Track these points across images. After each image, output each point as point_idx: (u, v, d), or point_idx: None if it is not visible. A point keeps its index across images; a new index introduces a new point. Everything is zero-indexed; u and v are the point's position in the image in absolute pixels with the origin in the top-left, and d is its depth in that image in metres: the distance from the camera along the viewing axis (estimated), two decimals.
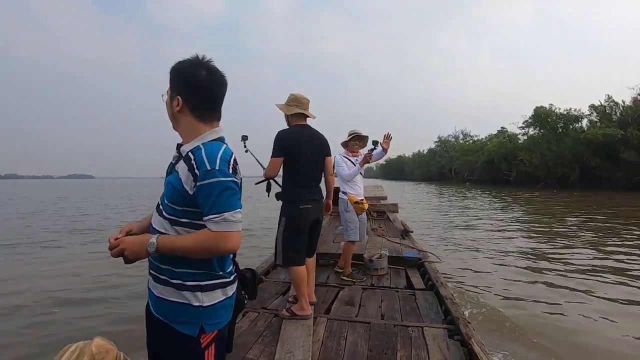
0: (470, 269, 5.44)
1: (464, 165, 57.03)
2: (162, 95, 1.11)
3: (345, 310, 2.79)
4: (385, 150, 3.47)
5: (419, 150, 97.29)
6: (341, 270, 3.69)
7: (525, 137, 44.04)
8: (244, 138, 2.84)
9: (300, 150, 2.48)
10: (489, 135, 62.14)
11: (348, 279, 3.54)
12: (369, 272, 3.74)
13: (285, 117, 2.64)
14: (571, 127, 37.88)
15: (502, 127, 58.51)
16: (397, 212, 8.33)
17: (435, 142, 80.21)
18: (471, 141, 67.59)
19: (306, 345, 2.12)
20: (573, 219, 11.31)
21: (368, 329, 2.39)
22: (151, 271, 1.07)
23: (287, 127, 2.63)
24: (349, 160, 3.50)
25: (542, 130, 39.95)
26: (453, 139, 75.96)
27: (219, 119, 1.11)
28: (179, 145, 1.08)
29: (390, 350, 2.12)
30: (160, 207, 1.06)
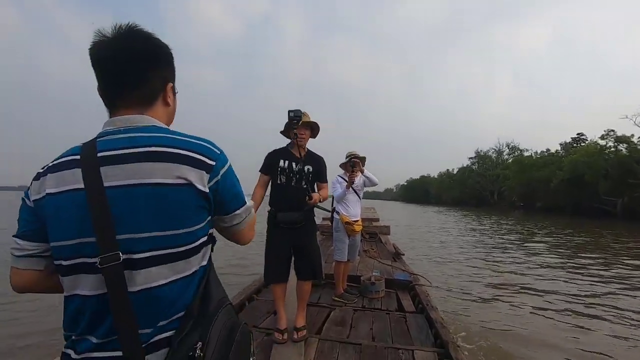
0: (467, 297, 5.30)
1: (521, 186, 39.95)
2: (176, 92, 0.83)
3: (336, 331, 2.79)
4: (360, 171, 3.50)
5: (447, 170, 78.42)
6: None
7: None
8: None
9: None
10: (563, 144, 44.15)
11: (339, 299, 3.54)
12: (368, 295, 3.70)
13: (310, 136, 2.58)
14: None
15: (578, 134, 42.27)
16: (389, 234, 8.39)
17: (471, 158, 62.38)
18: (528, 154, 49.07)
19: None
20: None
21: (359, 350, 2.39)
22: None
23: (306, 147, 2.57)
24: (345, 180, 3.55)
25: None
26: (495, 154, 58.62)
27: None
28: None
29: None
30: None
